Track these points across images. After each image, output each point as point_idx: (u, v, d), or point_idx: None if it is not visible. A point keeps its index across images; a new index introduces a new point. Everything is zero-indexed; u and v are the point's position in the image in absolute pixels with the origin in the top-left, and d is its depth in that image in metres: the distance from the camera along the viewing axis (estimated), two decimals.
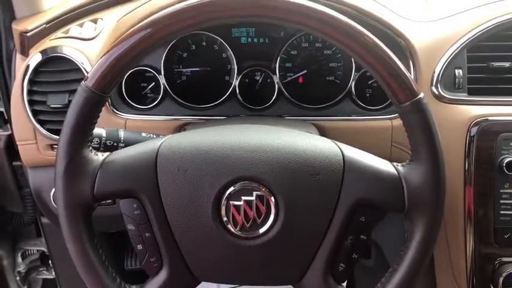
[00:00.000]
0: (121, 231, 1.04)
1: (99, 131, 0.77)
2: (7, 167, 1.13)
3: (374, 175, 0.65)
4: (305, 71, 0.98)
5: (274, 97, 0.97)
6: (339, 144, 0.68)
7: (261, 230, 0.65)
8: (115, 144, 0.78)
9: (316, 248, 0.66)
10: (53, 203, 0.96)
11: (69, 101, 0.90)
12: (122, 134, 0.79)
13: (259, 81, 0.98)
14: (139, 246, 0.68)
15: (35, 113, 0.91)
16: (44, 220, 1.14)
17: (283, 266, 0.67)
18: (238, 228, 0.65)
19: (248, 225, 0.65)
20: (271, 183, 0.65)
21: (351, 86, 0.95)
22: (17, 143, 0.95)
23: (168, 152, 0.67)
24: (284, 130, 0.72)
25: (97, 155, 0.67)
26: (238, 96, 0.97)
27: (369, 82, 0.96)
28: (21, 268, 1.42)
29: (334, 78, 0.98)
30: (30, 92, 0.90)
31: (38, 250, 1.43)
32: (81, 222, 0.66)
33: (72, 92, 0.90)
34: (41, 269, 1.48)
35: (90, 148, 0.67)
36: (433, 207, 0.64)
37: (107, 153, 0.68)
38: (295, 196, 0.65)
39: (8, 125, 1.07)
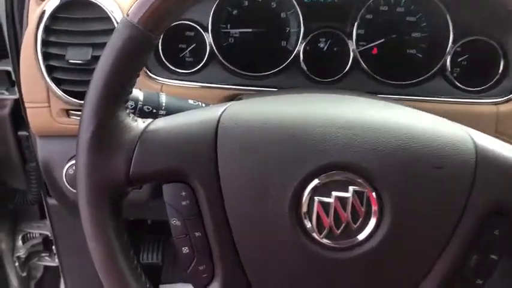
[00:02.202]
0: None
1: (134, 92, 0.59)
2: (11, 137, 0.99)
3: None
4: (383, 40, 0.80)
5: (347, 68, 0.78)
6: (467, 129, 0.50)
7: (357, 239, 0.47)
8: (154, 111, 0.60)
9: (428, 266, 0.48)
10: (65, 182, 0.78)
11: (93, 57, 0.72)
12: (163, 99, 0.61)
13: (327, 47, 0.79)
14: (185, 249, 0.50)
15: (50, 70, 0.73)
16: (50, 201, 0.98)
17: None
18: (324, 234, 0.48)
19: (338, 231, 0.47)
20: (376, 174, 0.47)
21: (445, 61, 0.77)
22: (26, 105, 0.77)
23: (232, 125, 0.49)
24: (391, 105, 0.54)
25: (136, 120, 0.49)
26: (302, 64, 0.78)
27: (468, 56, 0.77)
28: (21, 253, 1.27)
29: (417, 52, 0.80)
30: (45, 43, 0.72)
31: (40, 234, 1.29)
32: (109, 213, 0.48)
33: (98, 46, 0.72)
34: (43, 254, 1.32)
35: (128, 111, 0.49)
36: None
37: (149, 120, 0.50)
38: (409, 194, 0.47)
39: (16, 88, 0.90)
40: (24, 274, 1.30)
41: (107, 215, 0.48)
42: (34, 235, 1.27)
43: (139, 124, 0.49)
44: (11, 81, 0.92)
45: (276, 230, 0.48)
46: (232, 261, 0.49)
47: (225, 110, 0.50)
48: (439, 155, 0.47)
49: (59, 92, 0.73)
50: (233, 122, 0.49)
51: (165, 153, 0.48)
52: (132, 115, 0.49)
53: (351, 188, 0.47)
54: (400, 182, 0.46)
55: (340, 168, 0.47)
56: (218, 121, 0.49)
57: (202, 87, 0.76)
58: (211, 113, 0.50)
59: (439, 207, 0.47)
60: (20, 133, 0.97)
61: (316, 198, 0.47)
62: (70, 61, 0.72)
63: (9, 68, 0.90)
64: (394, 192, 0.46)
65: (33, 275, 1.35)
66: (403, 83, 0.77)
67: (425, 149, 0.47)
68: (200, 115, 0.50)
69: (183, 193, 0.49)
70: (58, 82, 0.73)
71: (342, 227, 0.47)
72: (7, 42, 0.87)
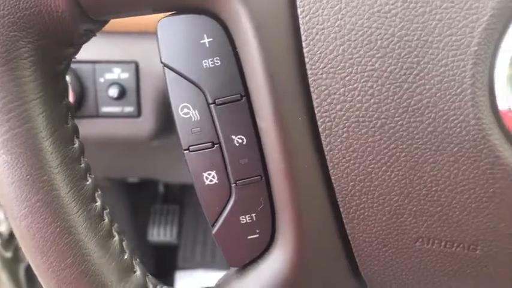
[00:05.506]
0: (146, 181, 0.72)
1: None
2: None
3: None
4: None
5: None
6: None
7: None
8: None
9: None
10: None
11: None
12: None
13: None
14: (209, 176, 0.22)
15: None
16: None
17: None
18: None
19: None
20: None
21: None
22: None
23: None
24: None
25: None
26: None
27: None
28: (3, 227, 1.00)
29: None
30: None
31: None
32: (35, 80, 0.21)
33: None
34: None
35: None
36: None
37: None
38: None
39: None
40: (9, 255, 1.05)
41: (36, 83, 0.21)
42: None
43: None
44: None
45: (447, 120, 0.19)
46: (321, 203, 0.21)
47: None
48: None
49: None
50: None
51: None
52: None
53: None
54: None
55: None
56: None
57: None
58: None
59: None
60: None
61: None
62: None
63: None
64: None
65: (22, 258, 1.09)
66: None
67: None
68: None
69: (205, 38, 0.21)
70: None
71: None
72: None
